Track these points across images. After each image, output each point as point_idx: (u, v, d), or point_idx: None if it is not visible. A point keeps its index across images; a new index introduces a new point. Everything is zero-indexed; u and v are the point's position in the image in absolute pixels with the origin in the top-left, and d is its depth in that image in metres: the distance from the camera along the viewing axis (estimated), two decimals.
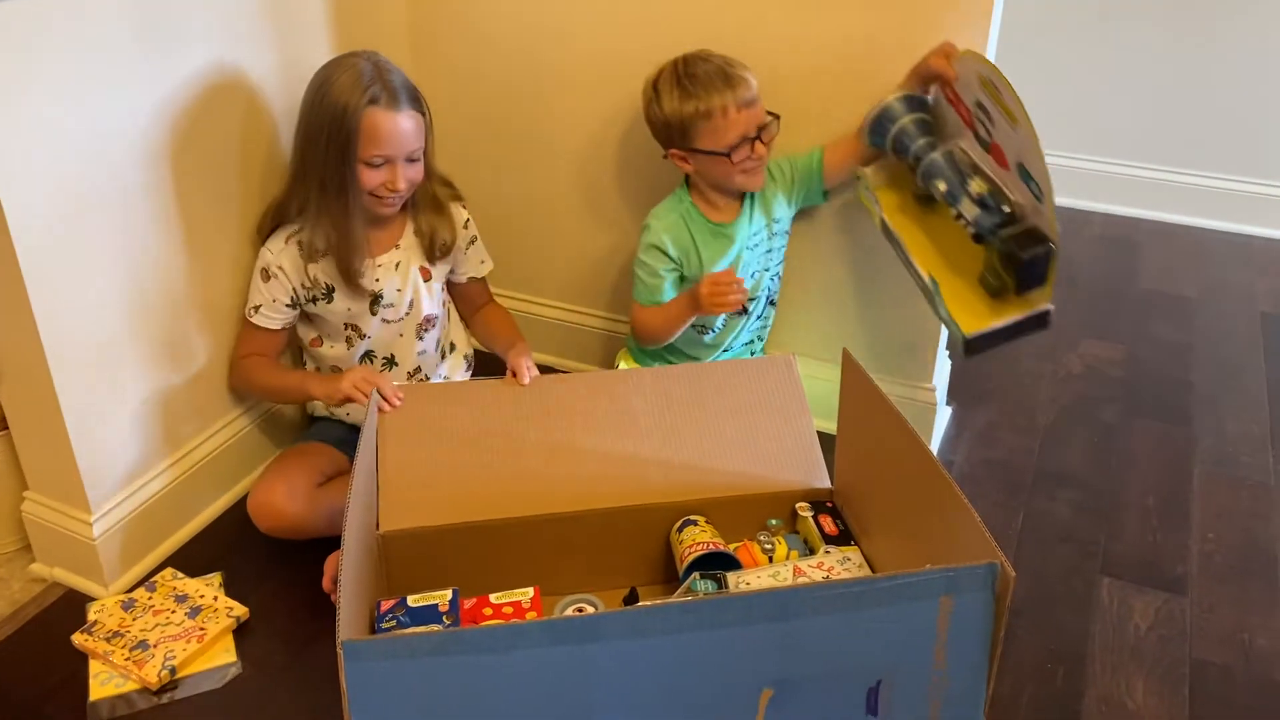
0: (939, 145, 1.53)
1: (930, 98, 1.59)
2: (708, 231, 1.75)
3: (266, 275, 1.65)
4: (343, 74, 1.55)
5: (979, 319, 1.48)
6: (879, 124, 1.59)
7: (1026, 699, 1.43)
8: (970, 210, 1.47)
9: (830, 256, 1.84)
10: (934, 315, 1.58)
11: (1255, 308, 2.48)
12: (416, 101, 1.60)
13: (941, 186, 1.49)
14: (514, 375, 1.62)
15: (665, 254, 1.74)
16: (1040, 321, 1.46)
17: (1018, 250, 1.41)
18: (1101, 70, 2.85)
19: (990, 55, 1.62)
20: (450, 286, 1.84)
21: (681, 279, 1.77)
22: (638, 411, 1.58)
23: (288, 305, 1.67)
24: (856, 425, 1.49)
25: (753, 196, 1.75)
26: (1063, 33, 2.84)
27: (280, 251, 1.64)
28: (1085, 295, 2.52)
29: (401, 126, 1.56)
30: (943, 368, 1.96)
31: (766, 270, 1.80)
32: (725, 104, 1.62)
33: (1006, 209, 1.45)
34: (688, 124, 1.65)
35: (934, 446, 1.93)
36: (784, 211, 1.78)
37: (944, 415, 1.99)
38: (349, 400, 1.60)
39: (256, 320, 1.67)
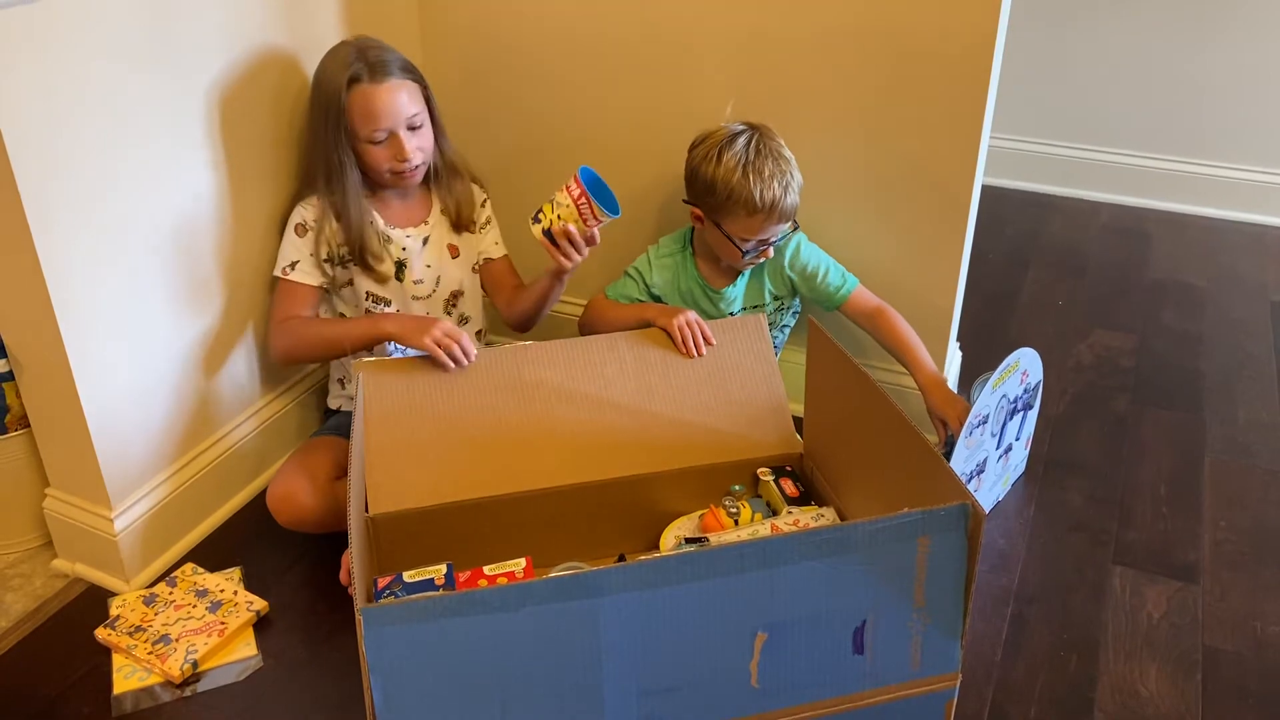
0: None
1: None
2: (699, 288, 1.81)
3: (302, 230, 1.64)
4: (331, 60, 1.59)
5: None
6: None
7: (1040, 687, 1.44)
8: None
9: (842, 250, 1.85)
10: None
11: (1266, 297, 2.48)
12: (406, 70, 1.60)
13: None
14: None
15: (645, 286, 1.81)
16: None
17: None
18: (1111, 59, 2.85)
19: (999, 44, 1.63)
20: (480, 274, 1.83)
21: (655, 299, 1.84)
22: (612, 377, 1.61)
23: (325, 260, 1.65)
24: (824, 389, 1.54)
25: (748, 272, 1.81)
26: (1072, 21, 2.84)
27: (312, 207, 1.64)
28: (1095, 285, 2.53)
29: (389, 96, 1.57)
30: (954, 359, 1.97)
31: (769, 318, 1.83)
32: (770, 210, 1.65)
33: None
34: (725, 201, 1.66)
35: None
36: (778, 297, 1.84)
37: None
38: (425, 351, 1.53)
39: (294, 276, 1.64)
